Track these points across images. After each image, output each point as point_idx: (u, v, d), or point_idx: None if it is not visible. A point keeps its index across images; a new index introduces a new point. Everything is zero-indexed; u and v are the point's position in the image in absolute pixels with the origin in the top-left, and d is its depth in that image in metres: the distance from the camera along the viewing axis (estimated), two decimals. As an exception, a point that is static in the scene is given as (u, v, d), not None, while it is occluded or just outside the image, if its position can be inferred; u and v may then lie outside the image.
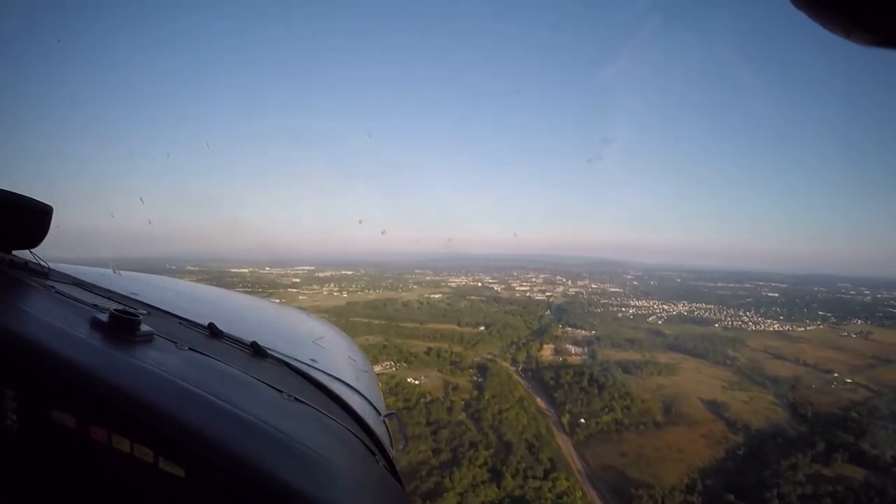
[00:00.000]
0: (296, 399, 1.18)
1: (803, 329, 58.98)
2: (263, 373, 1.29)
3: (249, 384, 1.16)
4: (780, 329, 59.91)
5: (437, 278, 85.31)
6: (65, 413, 0.80)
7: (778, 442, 34.02)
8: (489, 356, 54.88)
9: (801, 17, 0.48)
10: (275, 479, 0.78)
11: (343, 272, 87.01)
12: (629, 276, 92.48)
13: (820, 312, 64.63)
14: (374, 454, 1.22)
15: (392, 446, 1.55)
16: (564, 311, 69.09)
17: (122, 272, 2.03)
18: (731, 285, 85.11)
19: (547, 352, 57.00)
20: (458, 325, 61.86)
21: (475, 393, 44.64)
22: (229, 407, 0.91)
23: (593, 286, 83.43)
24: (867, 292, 72.96)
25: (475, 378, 48.66)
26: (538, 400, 44.49)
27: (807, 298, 72.76)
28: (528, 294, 78.77)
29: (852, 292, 74.38)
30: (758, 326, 61.75)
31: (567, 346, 58.54)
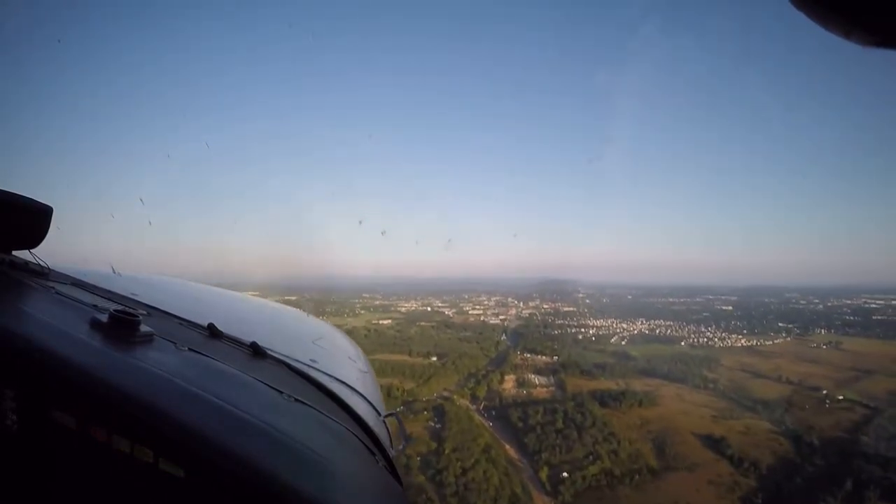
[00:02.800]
0: (296, 399, 1.19)
1: (771, 343, 56.72)
2: (263, 373, 1.30)
3: (249, 384, 1.17)
4: (748, 344, 57.34)
5: (386, 302, 78.63)
6: (65, 413, 0.79)
7: (798, 483, 28.83)
8: (445, 393, 47.97)
9: (801, 18, 0.48)
10: (275, 479, 0.78)
11: (287, 297, 78.53)
12: (580, 295, 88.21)
13: (780, 324, 63.17)
14: (374, 454, 1.23)
15: (392, 446, 1.54)
16: (521, 336, 63.80)
17: (121, 272, 2.04)
18: (682, 300, 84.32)
19: (509, 384, 50.74)
20: (410, 354, 55.13)
21: (433, 445, 36.61)
22: (229, 407, 0.91)
23: (545, 306, 78.77)
24: (817, 301, 73.14)
25: (432, 423, 41.02)
26: (507, 448, 37.13)
27: (761, 310, 72.18)
28: (481, 318, 73.35)
29: (803, 302, 74.42)
30: (724, 342, 59.11)
31: (530, 375, 52.71)
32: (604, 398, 42.95)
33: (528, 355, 57.61)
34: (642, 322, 69.80)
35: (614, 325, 68.97)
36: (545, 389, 48.95)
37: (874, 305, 64.76)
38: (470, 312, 75.26)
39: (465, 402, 46.73)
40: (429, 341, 59.96)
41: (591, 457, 33.60)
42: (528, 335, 63.46)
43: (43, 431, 0.80)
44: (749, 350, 54.82)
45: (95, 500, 0.80)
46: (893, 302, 64.89)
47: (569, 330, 67.32)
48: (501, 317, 73.55)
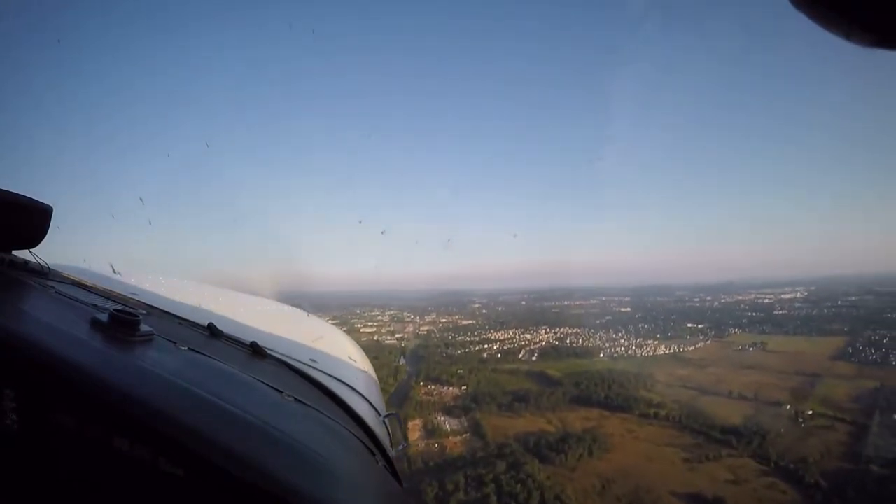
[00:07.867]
0: (296, 399, 1.21)
1: (692, 348, 52.72)
2: (263, 373, 1.33)
3: (249, 384, 1.18)
4: (669, 351, 52.58)
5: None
6: (65, 413, 0.78)
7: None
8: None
9: (801, 18, 0.47)
10: (275, 479, 0.78)
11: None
12: (476, 305, 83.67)
13: (689, 325, 60.52)
14: (373, 454, 1.26)
15: (392, 447, 1.56)
16: (422, 358, 55.55)
17: (121, 272, 2.04)
18: (578, 303, 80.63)
19: (415, 434, 39.10)
20: (298, 394, 40.15)
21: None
22: (229, 407, 0.91)
23: (443, 320, 72.93)
24: (709, 298, 73.22)
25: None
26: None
27: (659, 310, 70.53)
28: (375, 337, 63.96)
29: (696, 300, 74.17)
30: (642, 350, 54.17)
31: (439, 417, 42.48)
32: (540, 448, 32.14)
33: (433, 386, 48.91)
34: (546, 331, 64.94)
35: (517, 337, 63.34)
36: (460, 438, 38.25)
37: (767, 300, 65.36)
38: (363, 331, 65.39)
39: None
40: (320, 373, 46.81)
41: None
42: (428, 357, 55.69)
43: (43, 431, 0.78)
44: (675, 359, 49.63)
45: (95, 500, 0.79)
46: (783, 296, 66.13)
47: (472, 348, 60.18)
48: (398, 335, 66.25)
